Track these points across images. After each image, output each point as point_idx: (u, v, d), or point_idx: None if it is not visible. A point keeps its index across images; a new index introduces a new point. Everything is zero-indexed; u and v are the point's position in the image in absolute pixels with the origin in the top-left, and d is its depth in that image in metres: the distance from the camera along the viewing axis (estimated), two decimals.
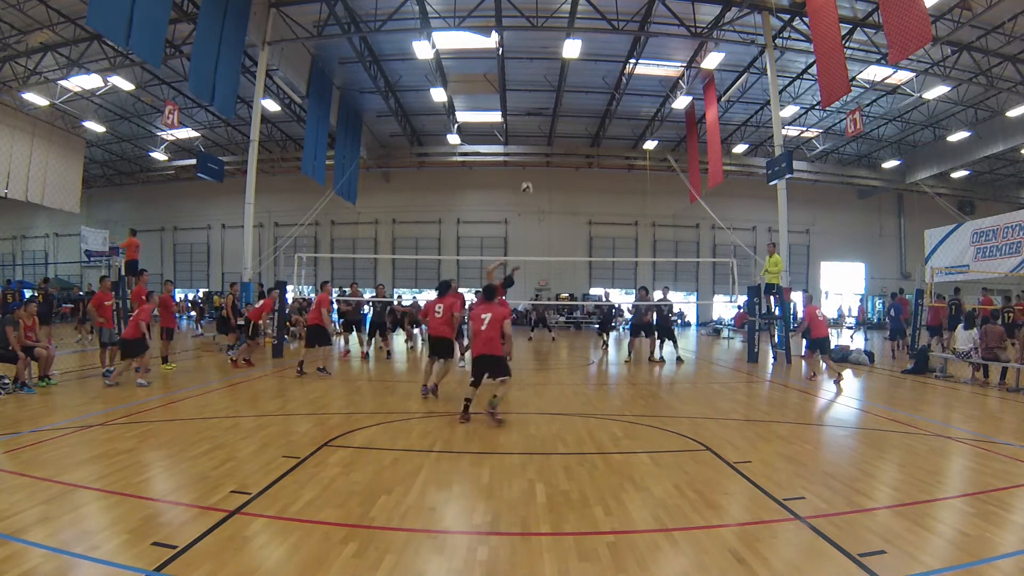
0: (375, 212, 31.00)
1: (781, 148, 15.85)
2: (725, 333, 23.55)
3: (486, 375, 6.75)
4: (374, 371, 11.54)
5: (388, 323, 14.54)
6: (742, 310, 20.05)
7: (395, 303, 15.75)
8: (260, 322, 12.18)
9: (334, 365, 11.65)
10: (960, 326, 11.04)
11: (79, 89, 19.96)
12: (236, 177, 23.91)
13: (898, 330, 15.57)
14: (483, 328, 6.74)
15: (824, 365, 10.23)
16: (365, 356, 13.34)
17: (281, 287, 13.65)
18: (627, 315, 18.22)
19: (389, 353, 13.51)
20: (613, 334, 17.55)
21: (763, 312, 14.33)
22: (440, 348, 8.16)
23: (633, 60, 19.28)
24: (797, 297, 16.65)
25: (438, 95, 20.64)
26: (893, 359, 14.41)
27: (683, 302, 29.52)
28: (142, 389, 8.36)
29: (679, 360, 13.12)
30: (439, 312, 8.10)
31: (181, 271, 33.04)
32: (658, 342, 13.52)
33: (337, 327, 14.32)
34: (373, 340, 13.82)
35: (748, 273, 21.68)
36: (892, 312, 15.96)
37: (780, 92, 18.29)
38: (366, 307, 15.32)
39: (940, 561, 3.20)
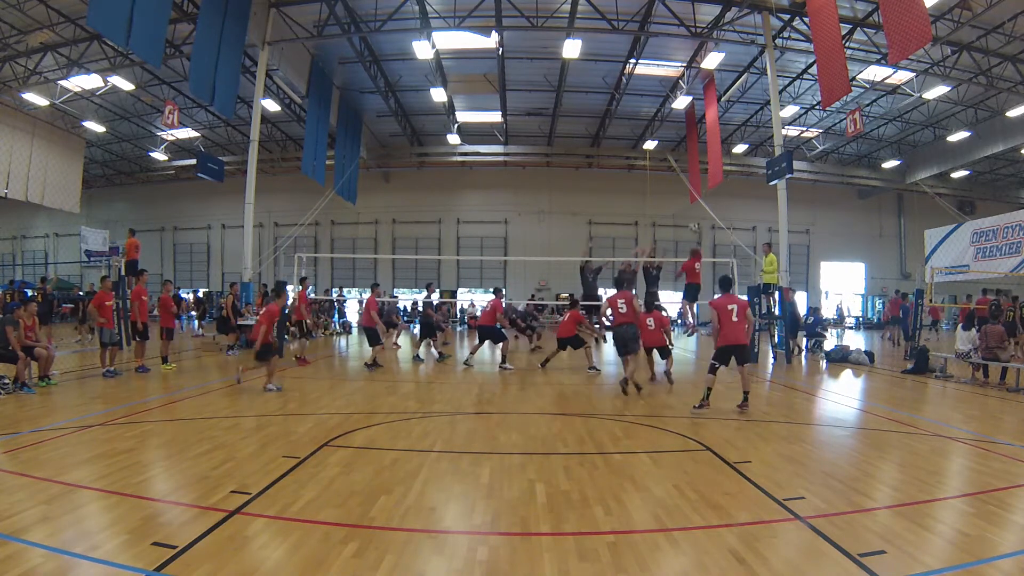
0: (375, 212, 30.99)
1: (781, 148, 15.83)
2: None
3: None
4: (424, 372, 11.51)
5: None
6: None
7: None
8: (308, 319, 12.41)
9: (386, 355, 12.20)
10: (959, 326, 11.04)
11: (79, 89, 19.94)
12: (236, 177, 23.89)
13: (909, 330, 15.56)
14: (734, 319, 7.29)
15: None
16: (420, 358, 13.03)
17: (281, 287, 13.63)
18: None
19: (441, 354, 13.03)
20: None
21: (763, 312, 14.40)
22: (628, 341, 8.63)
23: (633, 60, 19.26)
24: (801, 298, 16.77)
25: (438, 95, 20.63)
26: (906, 358, 14.36)
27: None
28: (140, 388, 8.36)
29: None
30: (623, 307, 8.62)
31: (181, 271, 33.02)
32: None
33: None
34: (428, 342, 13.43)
35: (748, 273, 21.67)
36: (901, 313, 15.93)
37: (780, 92, 18.27)
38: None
39: (940, 561, 3.20)
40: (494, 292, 12.55)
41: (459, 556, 3.23)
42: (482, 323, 12.29)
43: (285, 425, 6.41)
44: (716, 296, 7.80)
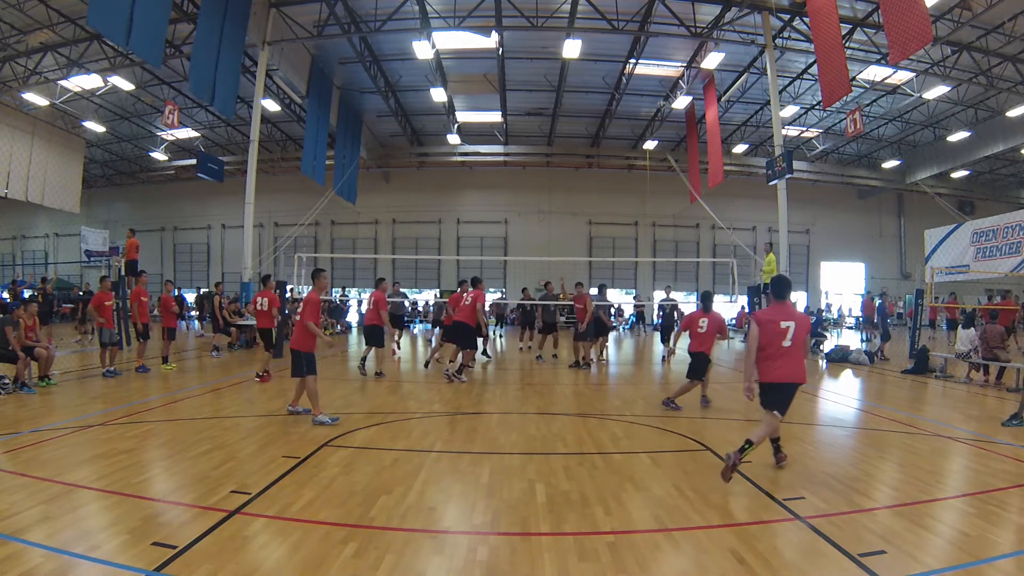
0: (375, 212, 30.98)
1: (781, 148, 15.84)
2: None
3: None
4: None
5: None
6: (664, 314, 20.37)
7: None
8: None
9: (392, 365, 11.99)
10: (959, 327, 11.05)
11: (79, 89, 19.92)
12: (236, 177, 23.88)
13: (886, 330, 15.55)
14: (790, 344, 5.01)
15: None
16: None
17: (281, 287, 13.63)
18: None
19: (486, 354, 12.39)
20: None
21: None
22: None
23: (633, 60, 19.25)
24: (800, 298, 16.78)
25: (438, 95, 20.62)
26: (879, 357, 14.38)
27: (683, 301, 29.47)
28: (140, 388, 8.36)
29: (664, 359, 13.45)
30: (703, 327, 7.75)
31: (181, 271, 33.00)
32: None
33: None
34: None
35: (748, 273, 21.67)
36: (876, 315, 15.90)
37: (780, 92, 18.27)
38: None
39: (940, 561, 3.21)
40: (472, 283, 10.30)
41: (459, 556, 3.23)
42: (459, 319, 9.98)
43: (285, 425, 6.41)
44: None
